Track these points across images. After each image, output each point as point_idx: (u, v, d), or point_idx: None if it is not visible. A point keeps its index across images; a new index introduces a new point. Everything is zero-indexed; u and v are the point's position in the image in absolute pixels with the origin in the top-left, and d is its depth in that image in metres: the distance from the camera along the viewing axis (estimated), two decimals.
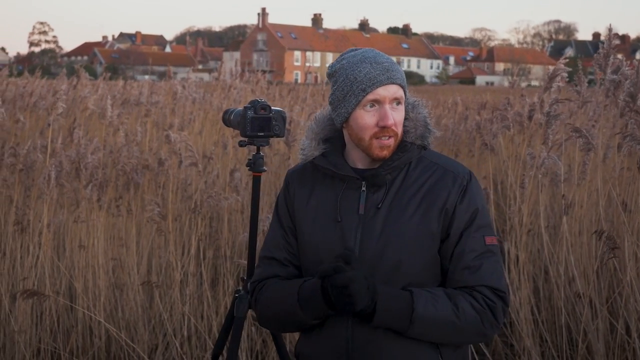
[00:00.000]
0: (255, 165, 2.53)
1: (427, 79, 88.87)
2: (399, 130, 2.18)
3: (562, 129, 5.22)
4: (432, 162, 2.24)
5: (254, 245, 2.54)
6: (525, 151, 5.02)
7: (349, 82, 2.17)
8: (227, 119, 2.57)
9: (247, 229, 5.54)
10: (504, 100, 7.98)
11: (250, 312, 4.81)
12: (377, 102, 2.16)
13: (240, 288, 2.53)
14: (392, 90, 2.16)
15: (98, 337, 4.77)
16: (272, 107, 2.46)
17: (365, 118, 2.17)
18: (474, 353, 4.88)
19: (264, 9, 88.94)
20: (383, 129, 2.16)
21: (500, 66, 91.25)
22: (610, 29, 3.93)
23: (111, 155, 5.52)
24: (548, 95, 4.84)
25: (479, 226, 2.18)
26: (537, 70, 76.19)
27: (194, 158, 5.02)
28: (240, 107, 2.48)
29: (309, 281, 2.16)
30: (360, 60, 2.19)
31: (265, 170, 2.53)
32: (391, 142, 2.17)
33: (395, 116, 2.17)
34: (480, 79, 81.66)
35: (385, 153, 2.18)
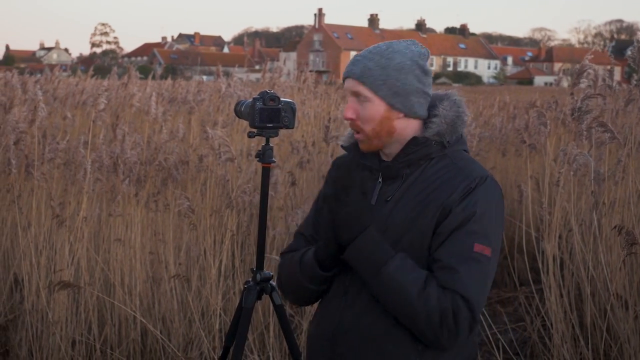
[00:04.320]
0: (264, 157, 2.53)
1: (485, 79, 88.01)
2: (366, 127, 2.17)
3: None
4: (452, 162, 2.18)
5: (263, 236, 2.55)
6: (559, 148, 4.94)
7: None
8: (239, 110, 2.59)
9: (282, 224, 5.69)
10: (551, 99, 7.88)
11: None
12: (349, 94, 2.22)
13: (250, 279, 2.55)
14: (348, 85, 2.20)
15: (133, 330, 4.83)
16: (282, 99, 2.47)
17: None
18: (512, 355, 4.82)
19: (320, 10, 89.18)
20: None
21: (559, 66, 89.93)
22: None
23: (153, 151, 5.59)
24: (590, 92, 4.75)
25: (472, 231, 2.06)
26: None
27: (230, 154, 5.06)
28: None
29: None
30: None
31: (274, 162, 2.53)
32: (360, 137, 2.20)
33: (359, 110, 2.18)
34: (539, 80, 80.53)
35: (363, 147, 2.22)
